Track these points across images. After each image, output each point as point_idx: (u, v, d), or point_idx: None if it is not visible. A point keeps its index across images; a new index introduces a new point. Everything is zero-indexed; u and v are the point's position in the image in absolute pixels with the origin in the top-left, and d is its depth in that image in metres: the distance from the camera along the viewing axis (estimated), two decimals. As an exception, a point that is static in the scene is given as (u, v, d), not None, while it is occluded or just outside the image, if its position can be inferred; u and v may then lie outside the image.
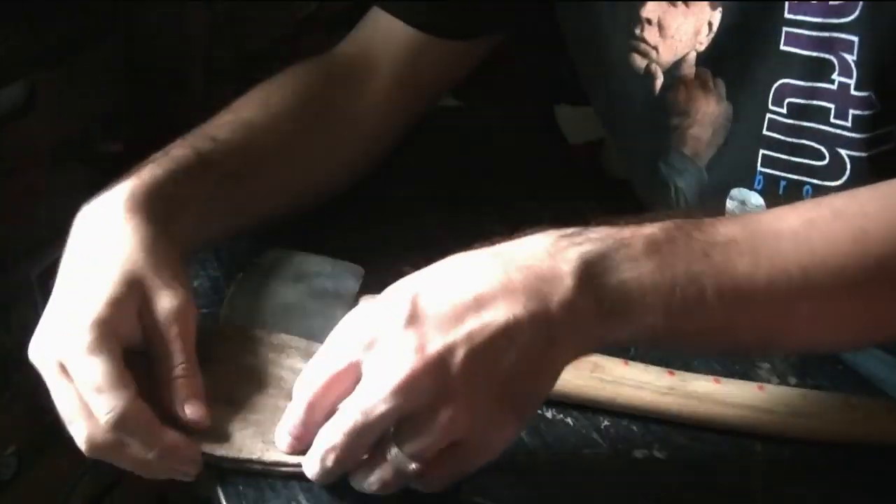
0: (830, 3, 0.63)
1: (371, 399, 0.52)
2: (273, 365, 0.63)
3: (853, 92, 0.64)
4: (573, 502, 0.57)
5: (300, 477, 0.57)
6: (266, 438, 0.58)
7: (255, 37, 1.03)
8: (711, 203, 0.74)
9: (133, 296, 0.59)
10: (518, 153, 1.01)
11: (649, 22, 0.72)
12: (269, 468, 0.58)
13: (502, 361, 0.52)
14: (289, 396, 0.60)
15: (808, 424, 0.63)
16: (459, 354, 0.52)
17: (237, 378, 0.62)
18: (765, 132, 0.69)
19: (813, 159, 0.68)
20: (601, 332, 0.54)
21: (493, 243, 0.56)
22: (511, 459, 0.58)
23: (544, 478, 0.61)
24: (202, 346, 0.63)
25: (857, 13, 0.63)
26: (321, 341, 0.64)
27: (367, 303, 0.53)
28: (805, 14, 0.65)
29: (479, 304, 0.53)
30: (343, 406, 0.54)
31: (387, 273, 0.75)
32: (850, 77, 0.64)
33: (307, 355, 0.63)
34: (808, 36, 0.65)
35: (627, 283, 0.53)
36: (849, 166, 0.66)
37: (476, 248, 0.57)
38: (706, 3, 0.69)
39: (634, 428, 0.63)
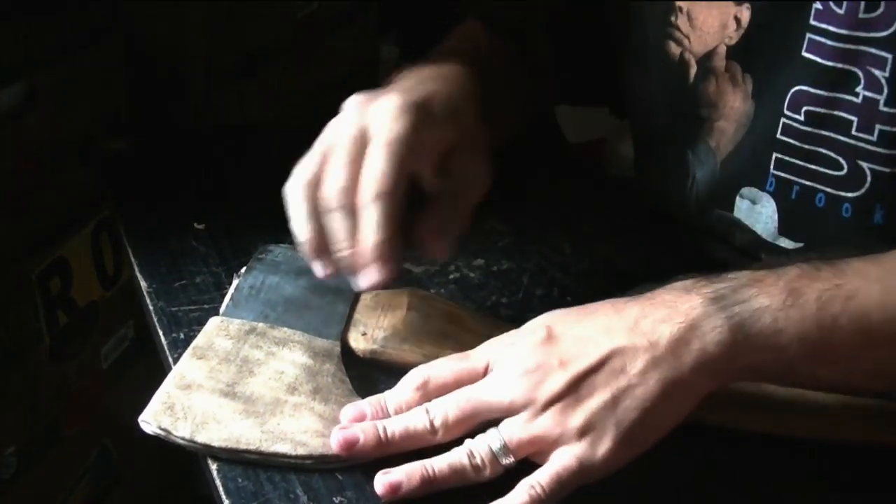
0: (860, 15, 0.63)
1: (498, 383, 0.56)
2: (274, 358, 0.63)
3: (882, 108, 0.64)
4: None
5: (296, 468, 0.58)
6: (265, 429, 0.59)
7: (255, 37, 1.03)
8: (722, 197, 0.75)
9: None
10: (518, 153, 1.01)
11: (681, 10, 0.72)
12: (266, 458, 0.58)
13: (622, 378, 0.56)
14: (289, 390, 0.61)
15: (806, 424, 0.63)
16: (585, 349, 0.56)
17: (238, 371, 0.62)
18: (778, 136, 0.70)
19: (829, 168, 0.68)
20: (733, 353, 0.56)
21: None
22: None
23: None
24: (204, 340, 0.64)
25: (892, 29, 0.63)
26: (322, 336, 0.64)
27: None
28: (830, 24, 0.65)
29: (605, 333, 0.57)
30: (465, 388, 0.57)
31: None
32: (880, 93, 0.64)
33: (308, 349, 0.64)
34: (832, 46, 0.65)
35: (761, 310, 0.56)
36: (869, 179, 0.67)
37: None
38: None
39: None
